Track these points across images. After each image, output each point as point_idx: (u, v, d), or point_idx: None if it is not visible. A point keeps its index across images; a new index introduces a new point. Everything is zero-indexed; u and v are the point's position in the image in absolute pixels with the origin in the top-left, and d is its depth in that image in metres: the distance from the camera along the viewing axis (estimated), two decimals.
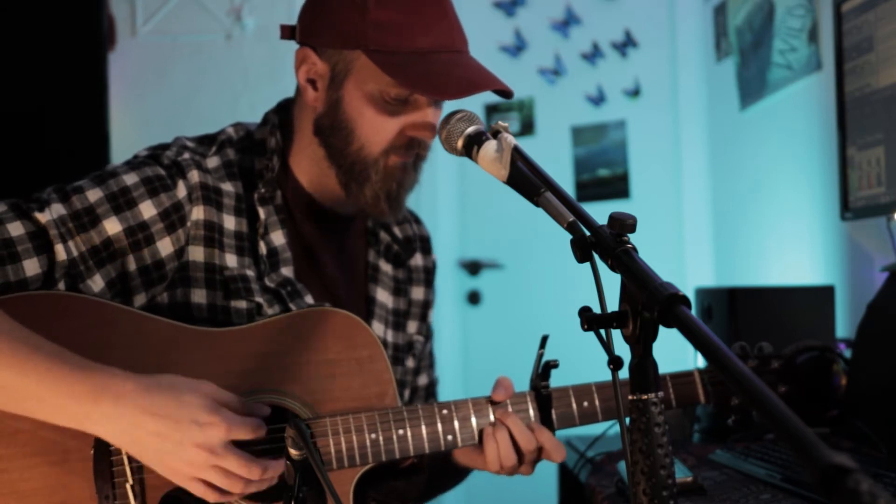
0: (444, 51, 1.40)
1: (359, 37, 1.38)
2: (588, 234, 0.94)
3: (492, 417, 1.41)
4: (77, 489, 1.23)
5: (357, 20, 1.38)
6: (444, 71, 1.37)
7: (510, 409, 1.41)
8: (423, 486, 1.58)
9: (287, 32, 1.49)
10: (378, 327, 1.59)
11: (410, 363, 1.65)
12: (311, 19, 1.46)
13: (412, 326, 1.66)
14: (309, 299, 1.48)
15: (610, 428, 1.81)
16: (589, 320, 0.90)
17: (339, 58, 1.42)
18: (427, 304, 1.70)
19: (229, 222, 1.44)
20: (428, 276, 1.70)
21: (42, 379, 1.16)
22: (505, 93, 1.40)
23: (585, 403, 1.44)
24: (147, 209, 1.36)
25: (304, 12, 1.48)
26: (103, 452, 1.25)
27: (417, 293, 1.68)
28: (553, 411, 1.42)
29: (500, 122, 1.15)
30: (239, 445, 1.23)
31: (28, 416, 1.18)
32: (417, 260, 1.69)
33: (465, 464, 1.49)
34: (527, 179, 1.08)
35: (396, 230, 1.65)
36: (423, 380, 1.71)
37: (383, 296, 1.62)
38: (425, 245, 1.71)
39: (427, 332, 1.70)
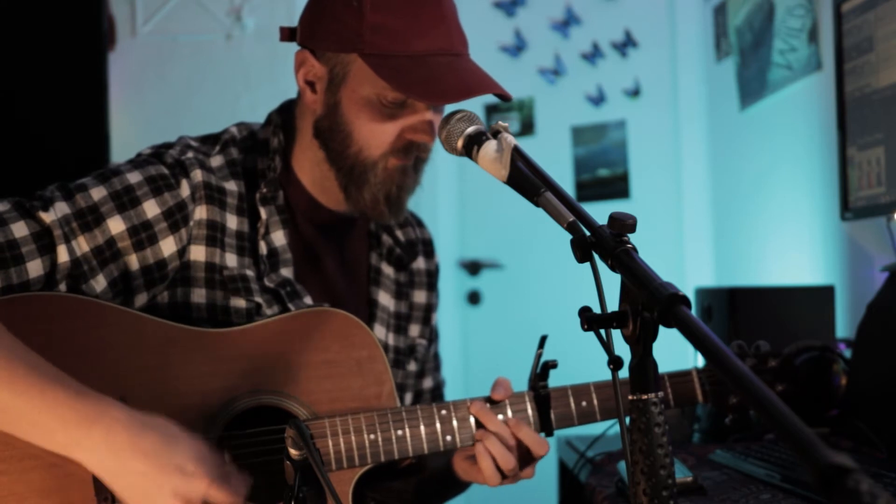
0: (442, 54, 1.39)
1: (355, 40, 1.38)
2: (588, 234, 0.94)
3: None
4: (75, 491, 1.22)
5: (354, 23, 1.38)
6: (441, 75, 1.36)
7: (509, 410, 1.41)
8: (417, 488, 1.58)
9: (286, 34, 1.48)
10: (379, 330, 1.59)
11: (412, 367, 1.65)
12: (310, 22, 1.45)
13: (414, 330, 1.66)
14: (308, 300, 1.47)
15: (610, 428, 1.81)
16: (589, 320, 0.90)
17: (337, 61, 1.42)
18: (429, 308, 1.69)
19: (232, 222, 1.43)
20: (430, 279, 1.70)
21: (35, 402, 1.13)
22: (503, 96, 1.39)
23: (584, 403, 1.43)
24: (150, 208, 1.36)
25: (304, 15, 1.47)
26: None
27: (419, 297, 1.67)
28: (551, 411, 1.42)
29: (500, 122, 1.15)
30: (235, 446, 1.22)
31: (22, 437, 1.16)
32: (420, 263, 1.68)
33: (467, 479, 1.49)
34: (527, 179, 1.08)
35: (399, 233, 1.65)
36: (427, 383, 1.70)
37: (385, 298, 1.61)
38: (427, 248, 1.71)
39: (430, 336, 1.70)
